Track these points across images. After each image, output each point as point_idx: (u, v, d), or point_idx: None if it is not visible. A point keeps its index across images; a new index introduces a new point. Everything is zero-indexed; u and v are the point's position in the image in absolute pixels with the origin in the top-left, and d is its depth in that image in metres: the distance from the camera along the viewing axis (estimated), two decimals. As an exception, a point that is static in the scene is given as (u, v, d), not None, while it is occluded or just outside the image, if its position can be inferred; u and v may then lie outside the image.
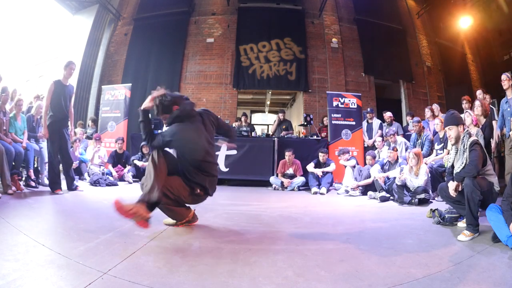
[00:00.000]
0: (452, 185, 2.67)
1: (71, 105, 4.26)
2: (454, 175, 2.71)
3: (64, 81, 4.11)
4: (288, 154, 5.48)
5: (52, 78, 4.14)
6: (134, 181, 5.56)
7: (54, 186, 3.96)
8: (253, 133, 6.73)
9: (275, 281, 1.61)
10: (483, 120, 4.42)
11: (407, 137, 5.90)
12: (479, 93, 5.07)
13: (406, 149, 5.32)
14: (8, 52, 9.33)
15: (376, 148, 5.71)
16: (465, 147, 2.63)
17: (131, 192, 4.68)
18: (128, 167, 5.81)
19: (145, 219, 2.23)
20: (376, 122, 6.55)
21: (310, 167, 5.38)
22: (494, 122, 4.56)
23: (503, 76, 4.14)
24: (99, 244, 2.04)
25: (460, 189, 2.65)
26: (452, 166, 2.80)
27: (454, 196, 2.69)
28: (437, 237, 2.50)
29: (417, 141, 5.27)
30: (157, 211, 2.40)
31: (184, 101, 2.56)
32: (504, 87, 4.15)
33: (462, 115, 3.87)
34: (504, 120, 4.17)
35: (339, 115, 6.54)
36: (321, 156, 5.43)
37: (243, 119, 7.44)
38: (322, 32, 9.39)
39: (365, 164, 5.36)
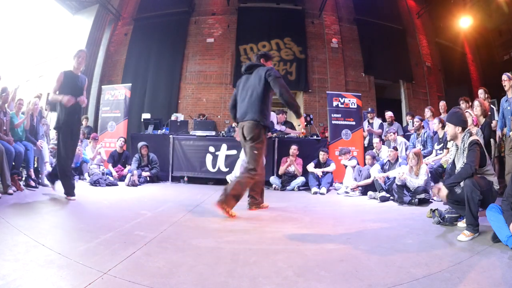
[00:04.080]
0: (443, 191, 2.66)
1: (84, 96, 3.77)
2: (444, 182, 2.70)
3: (75, 71, 3.73)
4: (294, 148, 5.47)
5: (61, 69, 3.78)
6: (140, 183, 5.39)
7: (71, 192, 3.63)
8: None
9: (275, 281, 1.61)
10: (482, 120, 4.42)
11: (407, 137, 5.91)
12: (480, 92, 5.06)
13: (406, 149, 5.33)
14: (8, 52, 9.32)
15: (374, 148, 5.72)
16: (465, 146, 2.63)
17: (131, 192, 4.68)
18: (128, 167, 5.76)
19: None
20: (376, 121, 6.56)
21: (310, 167, 5.37)
22: (494, 122, 4.56)
23: (504, 76, 4.14)
24: (99, 244, 2.04)
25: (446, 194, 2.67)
26: (453, 164, 2.80)
27: (445, 201, 2.71)
28: (437, 237, 2.51)
29: (417, 139, 5.29)
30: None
31: None
32: (505, 88, 4.15)
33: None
34: (505, 119, 4.17)
35: (339, 115, 6.53)
36: (322, 155, 5.43)
37: None
38: (322, 32, 9.39)
39: (365, 164, 5.36)
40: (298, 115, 3.36)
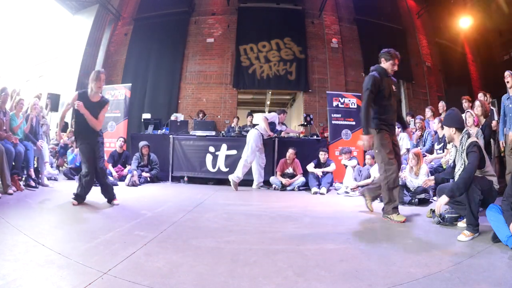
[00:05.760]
0: (442, 200, 2.63)
1: (101, 117, 3.43)
2: (446, 190, 2.67)
3: (93, 97, 3.35)
4: (291, 152, 5.47)
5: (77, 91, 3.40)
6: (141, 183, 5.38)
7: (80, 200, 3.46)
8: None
9: (275, 281, 1.61)
10: (483, 120, 4.42)
11: (407, 137, 5.91)
12: (480, 95, 5.06)
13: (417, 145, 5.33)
14: (8, 52, 9.32)
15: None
16: (463, 148, 2.63)
17: (131, 192, 4.68)
18: (128, 167, 5.75)
19: None
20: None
21: (310, 167, 5.37)
22: (494, 122, 4.56)
23: (507, 73, 4.12)
24: (99, 244, 2.04)
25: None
26: (454, 164, 2.80)
27: (439, 213, 2.78)
28: (437, 237, 2.51)
29: (420, 139, 5.30)
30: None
31: None
32: (508, 85, 4.14)
33: (463, 115, 3.87)
34: (506, 117, 4.16)
35: (339, 115, 6.54)
36: (322, 155, 5.43)
37: (248, 118, 7.49)
38: (322, 32, 9.39)
39: (364, 164, 5.36)
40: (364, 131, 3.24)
